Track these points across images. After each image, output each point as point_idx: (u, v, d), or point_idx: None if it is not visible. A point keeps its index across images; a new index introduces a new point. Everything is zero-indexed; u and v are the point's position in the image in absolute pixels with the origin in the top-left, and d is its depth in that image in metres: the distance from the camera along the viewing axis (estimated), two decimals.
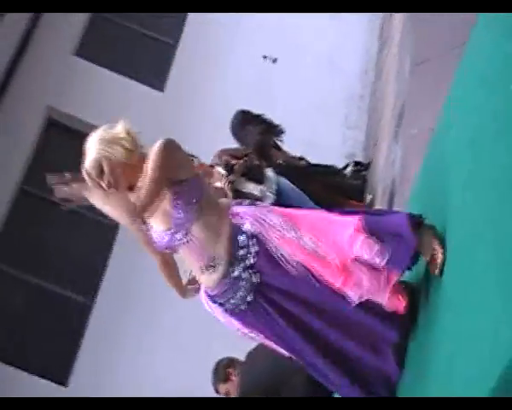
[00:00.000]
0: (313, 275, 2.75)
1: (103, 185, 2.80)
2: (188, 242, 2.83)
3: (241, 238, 2.80)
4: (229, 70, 8.83)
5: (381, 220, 2.80)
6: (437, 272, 2.71)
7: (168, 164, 2.77)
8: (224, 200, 3.02)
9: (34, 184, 7.86)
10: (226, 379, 4.46)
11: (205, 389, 4.76)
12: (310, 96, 8.48)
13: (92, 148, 2.83)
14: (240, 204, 2.92)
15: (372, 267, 2.72)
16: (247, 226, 2.81)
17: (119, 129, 2.84)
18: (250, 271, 2.80)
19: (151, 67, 9.00)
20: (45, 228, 7.96)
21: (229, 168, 5.14)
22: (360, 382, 2.82)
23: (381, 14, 9.60)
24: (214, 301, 2.93)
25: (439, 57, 5.64)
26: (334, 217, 2.84)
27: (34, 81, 8.25)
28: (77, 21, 8.93)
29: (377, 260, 2.70)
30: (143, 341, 7.29)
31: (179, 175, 2.80)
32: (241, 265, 2.81)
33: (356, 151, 7.97)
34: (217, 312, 2.95)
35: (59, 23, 8.72)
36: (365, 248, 2.70)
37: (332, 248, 2.74)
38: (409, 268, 2.79)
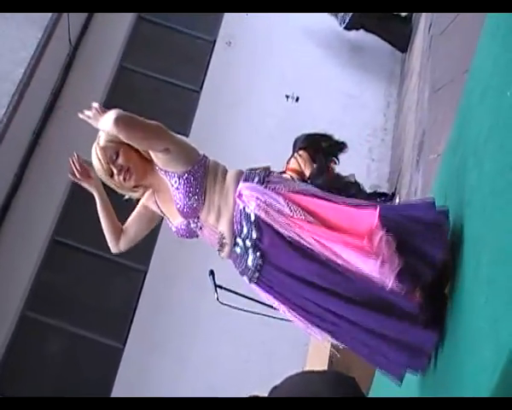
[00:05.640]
0: (330, 250, 2.60)
1: (114, 170, 2.80)
2: (201, 228, 2.84)
3: (244, 221, 2.73)
4: (253, 112, 8.93)
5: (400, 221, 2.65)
6: (446, 289, 2.71)
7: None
8: (232, 172, 2.83)
9: (65, 234, 8.01)
10: None
11: None
12: (334, 130, 8.52)
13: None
14: (250, 180, 2.78)
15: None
16: (250, 208, 2.72)
17: None
18: (254, 250, 2.74)
19: (176, 113, 9.15)
20: (76, 277, 8.08)
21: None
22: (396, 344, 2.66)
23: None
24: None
25: (456, 81, 5.68)
26: (351, 209, 2.69)
27: (64, 134, 8.43)
28: (103, 73, 9.15)
29: (392, 266, 2.54)
30: (173, 381, 7.33)
31: (171, 165, 2.77)
32: (243, 244, 2.75)
33: (381, 183, 7.98)
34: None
35: (86, 76, 8.94)
36: (384, 245, 2.54)
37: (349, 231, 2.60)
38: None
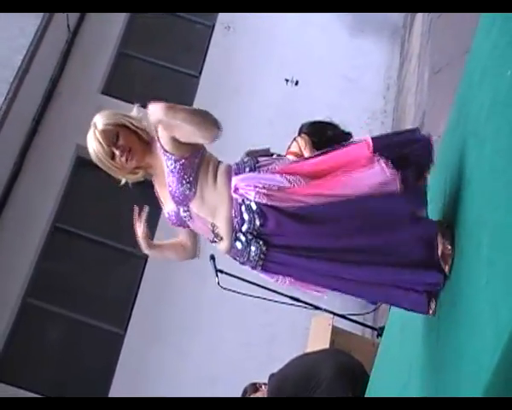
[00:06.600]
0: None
1: (116, 152, 2.77)
2: (191, 217, 2.82)
3: (245, 214, 2.72)
4: (253, 96, 8.91)
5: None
6: (447, 268, 2.71)
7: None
8: (222, 170, 2.79)
9: (65, 220, 8.01)
10: (256, 390, 4.53)
11: None
12: (334, 114, 8.47)
13: (108, 115, 2.81)
14: (241, 171, 2.76)
15: None
16: (250, 198, 2.70)
17: (135, 111, 2.86)
18: (256, 240, 2.73)
19: (175, 99, 9.11)
20: (77, 263, 8.10)
21: None
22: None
23: (401, 30, 9.64)
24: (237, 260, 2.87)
25: (455, 63, 5.66)
26: (343, 149, 2.75)
27: (64, 120, 8.43)
28: (102, 59, 9.13)
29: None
30: (174, 367, 7.36)
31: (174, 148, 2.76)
32: (245, 237, 2.74)
33: None
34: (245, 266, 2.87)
35: (85, 63, 8.93)
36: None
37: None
38: None
